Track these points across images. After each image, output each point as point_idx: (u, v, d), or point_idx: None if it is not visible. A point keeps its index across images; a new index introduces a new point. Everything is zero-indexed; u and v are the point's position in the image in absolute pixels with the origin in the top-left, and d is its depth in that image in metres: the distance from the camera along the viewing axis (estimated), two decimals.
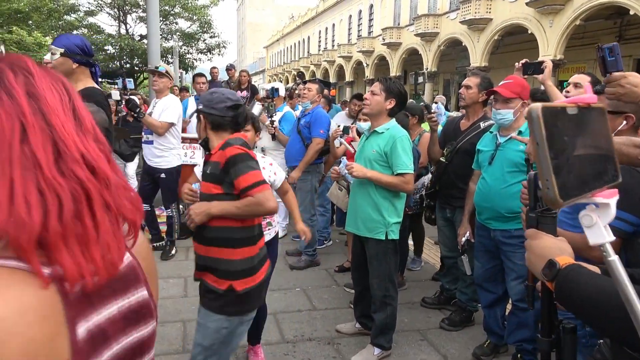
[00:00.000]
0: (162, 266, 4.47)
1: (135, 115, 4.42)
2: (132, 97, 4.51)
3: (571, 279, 0.98)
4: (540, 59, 17.69)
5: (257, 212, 1.99)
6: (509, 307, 3.10)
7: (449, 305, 3.79)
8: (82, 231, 0.62)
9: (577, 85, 3.21)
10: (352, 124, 5.06)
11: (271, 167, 2.81)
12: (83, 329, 0.63)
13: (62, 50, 2.53)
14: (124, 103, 4.59)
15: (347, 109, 5.95)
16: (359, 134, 4.25)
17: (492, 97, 3.07)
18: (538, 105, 0.83)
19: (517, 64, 3.19)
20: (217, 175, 1.98)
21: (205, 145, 2.13)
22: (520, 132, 2.81)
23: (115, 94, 4.51)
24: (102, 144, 0.69)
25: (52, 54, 2.54)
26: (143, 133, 4.73)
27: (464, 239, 3.22)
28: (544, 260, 1.04)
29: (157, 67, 4.82)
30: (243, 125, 2.17)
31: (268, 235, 2.72)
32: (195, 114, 2.22)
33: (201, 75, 6.91)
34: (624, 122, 1.85)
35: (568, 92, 3.20)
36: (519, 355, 2.92)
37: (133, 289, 0.74)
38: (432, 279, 4.48)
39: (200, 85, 6.42)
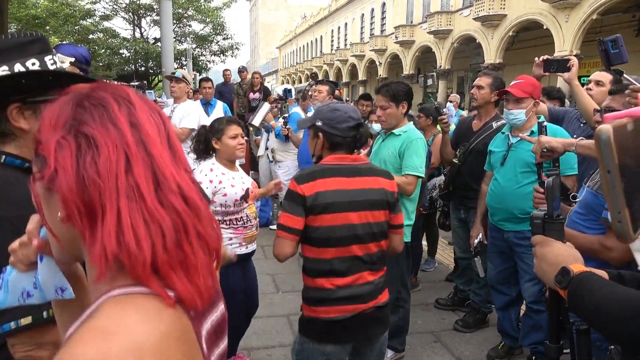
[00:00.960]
0: None
1: None
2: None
3: (584, 287, 0.97)
4: (556, 54, 17.45)
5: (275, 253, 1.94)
6: (523, 307, 3.07)
7: (462, 307, 3.77)
8: (184, 259, 0.65)
9: (598, 83, 3.12)
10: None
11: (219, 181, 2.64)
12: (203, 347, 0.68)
13: (72, 59, 2.58)
14: None
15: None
16: (371, 135, 4.25)
17: (504, 97, 3.03)
18: (608, 127, 0.76)
19: (537, 59, 3.05)
20: None
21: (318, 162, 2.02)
22: (532, 133, 2.77)
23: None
24: (190, 173, 0.72)
25: (61, 62, 2.59)
26: None
27: (476, 241, 3.20)
28: (556, 268, 1.03)
29: (173, 73, 4.88)
30: (362, 145, 2.02)
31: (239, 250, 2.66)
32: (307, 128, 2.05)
33: (207, 79, 6.97)
34: None
35: (590, 89, 3.11)
36: (533, 357, 2.89)
37: (217, 305, 0.80)
38: (446, 280, 4.46)
39: (207, 90, 6.49)
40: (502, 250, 3.00)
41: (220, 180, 2.60)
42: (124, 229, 0.60)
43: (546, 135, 2.27)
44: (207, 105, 6.54)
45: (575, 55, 16.78)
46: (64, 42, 2.95)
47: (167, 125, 0.71)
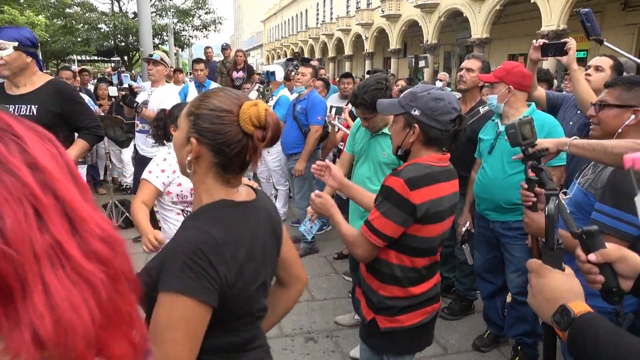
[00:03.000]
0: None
1: (134, 110, 4.34)
2: (128, 93, 4.38)
3: (587, 333, 0.87)
4: (543, 29, 17.32)
5: (349, 247, 1.83)
6: (510, 297, 3.06)
7: (448, 294, 3.75)
8: (119, 314, 0.55)
9: (598, 69, 3.03)
10: (345, 104, 4.94)
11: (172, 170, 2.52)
12: None
13: (15, 44, 2.36)
14: (120, 99, 4.44)
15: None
16: (353, 116, 4.13)
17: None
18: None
19: (534, 42, 2.98)
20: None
21: (404, 156, 1.78)
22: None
23: (113, 90, 4.42)
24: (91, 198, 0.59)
25: (2, 49, 2.36)
26: (138, 122, 4.62)
27: (464, 229, 3.15)
28: (554, 305, 0.93)
29: (151, 55, 4.66)
30: (457, 142, 1.74)
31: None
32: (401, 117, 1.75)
33: (200, 61, 6.73)
34: (632, 116, 1.75)
35: (589, 75, 3.03)
36: (519, 347, 2.89)
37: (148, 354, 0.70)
38: None
39: (199, 73, 6.27)
40: (488, 239, 2.96)
41: (174, 170, 2.46)
42: (59, 305, 0.48)
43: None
44: (200, 88, 6.31)
45: (561, 30, 16.71)
46: (5, 26, 2.72)
47: (61, 151, 0.57)
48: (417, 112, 1.66)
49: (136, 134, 4.70)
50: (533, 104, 2.81)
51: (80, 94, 5.92)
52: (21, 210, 0.48)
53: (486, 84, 2.88)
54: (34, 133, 0.55)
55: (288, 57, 36.07)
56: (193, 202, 1.21)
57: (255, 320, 1.20)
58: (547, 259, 0.99)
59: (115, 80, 4.52)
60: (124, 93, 4.39)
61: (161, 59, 4.57)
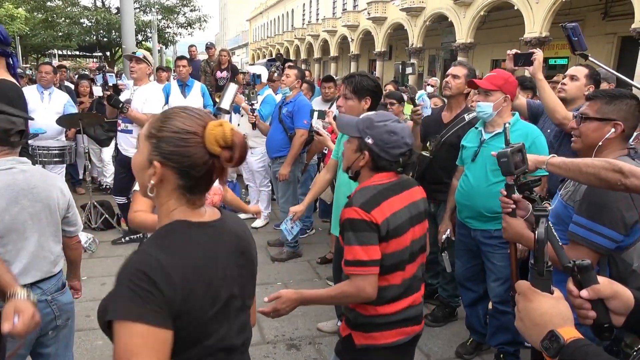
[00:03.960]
0: None
1: (120, 111, 4.28)
2: (113, 93, 4.28)
3: None
4: (526, 36, 17.58)
5: (351, 302, 1.76)
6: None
7: (432, 300, 3.75)
8: None
9: (573, 78, 3.09)
10: (328, 108, 4.91)
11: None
12: None
13: None
14: (105, 99, 4.34)
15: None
16: None
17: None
18: None
19: (508, 52, 3.08)
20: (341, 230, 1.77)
21: (355, 177, 1.86)
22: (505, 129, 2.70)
23: (97, 90, 4.32)
24: None
25: None
26: (121, 121, 4.51)
27: (444, 237, 3.15)
28: (542, 330, 0.90)
29: (134, 53, 4.56)
30: (409, 169, 1.85)
31: None
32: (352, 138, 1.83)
33: (182, 58, 6.62)
34: (612, 129, 1.76)
35: (564, 84, 3.09)
36: (501, 355, 2.89)
37: None
38: None
39: (181, 69, 6.15)
40: (469, 247, 2.97)
41: None
42: None
43: (507, 137, 2.20)
44: (183, 87, 6.17)
45: (544, 37, 16.98)
46: None
47: None
48: (370, 141, 1.74)
49: (118, 133, 4.59)
50: (517, 113, 2.82)
51: (60, 91, 5.84)
52: None
53: (475, 91, 2.88)
54: None
55: (269, 57, 35.90)
56: (157, 224, 1.16)
57: (213, 352, 1.11)
58: (536, 282, 0.96)
59: (100, 80, 4.41)
60: (108, 93, 4.28)
61: (144, 57, 4.47)
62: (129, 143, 4.44)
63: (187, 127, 1.07)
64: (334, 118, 4.00)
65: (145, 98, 4.36)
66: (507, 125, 1.96)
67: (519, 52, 3.03)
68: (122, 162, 4.57)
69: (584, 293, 0.97)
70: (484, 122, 2.83)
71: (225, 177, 1.15)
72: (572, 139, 1.91)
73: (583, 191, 1.74)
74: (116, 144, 5.18)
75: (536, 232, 0.96)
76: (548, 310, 0.92)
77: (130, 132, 4.44)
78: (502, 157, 1.36)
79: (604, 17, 17.09)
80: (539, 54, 2.92)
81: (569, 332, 0.88)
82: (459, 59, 16.14)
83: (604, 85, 3.52)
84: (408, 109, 5.67)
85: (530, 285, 0.96)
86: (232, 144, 1.07)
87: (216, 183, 2.25)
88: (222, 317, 1.12)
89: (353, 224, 1.67)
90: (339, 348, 1.91)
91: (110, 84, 4.36)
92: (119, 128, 4.54)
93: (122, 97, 4.41)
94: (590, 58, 2.78)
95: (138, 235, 4.81)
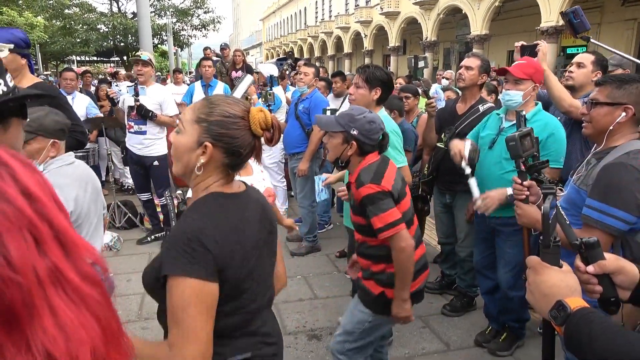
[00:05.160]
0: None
1: (149, 118, 4.57)
2: (142, 105, 4.54)
3: (582, 330, 0.89)
4: (542, 25, 17.26)
5: (405, 261, 2.02)
6: None
7: (450, 290, 3.78)
8: (111, 330, 0.58)
9: (580, 65, 3.10)
10: (341, 103, 4.96)
11: (261, 177, 2.65)
12: None
13: (11, 46, 2.37)
14: (135, 110, 4.56)
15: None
16: None
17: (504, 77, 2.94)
18: None
19: (516, 44, 3.10)
20: (359, 209, 2.10)
21: (345, 166, 2.18)
22: (526, 120, 2.69)
23: (130, 101, 4.53)
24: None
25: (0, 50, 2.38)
26: (133, 124, 4.65)
27: (467, 153, 2.68)
28: (551, 301, 0.95)
29: (139, 56, 4.69)
30: (386, 147, 2.21)
31: None
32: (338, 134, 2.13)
33: (207, 59, 6.80)
34: (623, 113, 1.76)
35: (571, 72, 3.11)
36: (506, 325, 3.06)
37: None
38: (434, 262, 4.46)
39: (207, 69, 6.28)
40: (485, 236, 3.01)
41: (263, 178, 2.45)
42: (67, 324, 0.51)
43: (525, 125, 2.22)
44: (206, 87, 6.30)
45: (560, 26, 16.65)
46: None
47: (45, 178, 0.60)
48: (355, 132, 2.06)
49: (129, 134, 4.74)
50: (539, 103, 2.82)
51: (81, 94, 6.02)
52: (22, 238, 0.51)
53: (501, 79, 2.89)
54: (20, 162, 0.57)
55: (280, 57, 36.02)
56: (191, 197, 1.32)
57: (247, 305, 1.27)
58: (545, 256, 1.01)
59: (131, 92, 4.61)
60: (139, 104, 4.50)
61: (149, 60, 4.61)
62: (141, 143, 4.65)
63: (235, 111, 1.23)
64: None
65: (160, 101, 4.56)
66: (522, 112, 2.08)
67: (525, 44, 3.06)
68: (137, 161, 4.74)
69: (591, 269, 1.02)
70: (506, 109, 2.85)
71: (261, 155, 1.33)
72: (583, 124, 1.91)
73: (595, 175, 1.75)
74: (125, 147, 5.30)
75: (542, 207, 1.01)
76: (556, 283, 0.98)
77: (144, 133, 4.62)
78: (510, 141, 1.41)
79: (622, 3, 16.74)
80: (542, 45, 2.93)
81: (576, 302, 0.93)
82: (474, 50, 15.96)
83: (619, 71, 3.49)
84: (423, 102, 5.69)
85: (540, 260, 1.02)
86: (273, 126, 1.26)
87: (268, 183, 2.33)
88: (254, 275, 1.27)
89: (372, 198, 1.99)
90: (369, 302, 2.18)
91: (141, 96, 4.57)
92: (131, 130, 4.69)
93: (126, 102, 4.65)
94: (591, 40, 2.78)
95: (162, 234, 4.95)
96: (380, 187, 2.00)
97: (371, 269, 2.17)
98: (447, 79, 7.61)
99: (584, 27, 2.24)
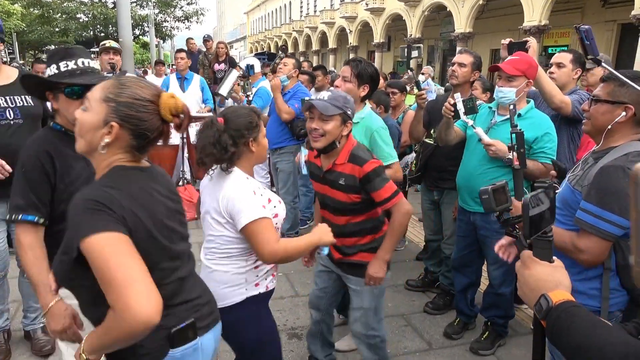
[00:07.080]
0: None
1: None
2: None
3: (562, 324, 0.89)
4: (525, 24, 17.45)
5: (406, 223, 2.27)
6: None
7: (433, 288, 3.76)
8: None
9: (560, 65, 3.11)
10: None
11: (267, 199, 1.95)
12: None
13: None
14: None
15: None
16: None
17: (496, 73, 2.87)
18: None
19: (503, 41, 3.07)
20: (357, 187, 2.17)
21: (325, 150, 2.18)
22: (519, 115, 2.66)
23: None
24: None
25: None
26: None
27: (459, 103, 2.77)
28: (537, 294, 0.96)
29: (111, 45, 4.55)
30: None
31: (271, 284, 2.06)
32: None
33: (181, 50, 6.60)
34: (623, 113, 1.70)
35: (553, 72, 3.11)
36: (489, 322, 3.06)
37: None
38: (417, 259, 4.44)
39: (180, 61, 6.11)
40: (466, 234, 3.01)
41: (269, 199, 1.89)
42: None
43: (512, 120, 2.25)
44: (182, 80, 6.10)
45: (543, 26, 16.86)
46: None
47: None
48: (350, 112, 2.16)
49: None
50: (532, 100, 2.80)
51: None
52: None
53: (498, 75, 2.81)
54: None
55: (261, 51, 35.71)
56: (96, 173, 1.30)
57: (171, 273, 1.30)
58: (536, 251, 1.02)
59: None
60: None
61: (119, 48, 4.52)
62: None
63: (145, 95, 1.24)
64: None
65: None
66: (511, 107, 2.19)
67: (513, 40, 3.02)
68: None
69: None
70: (497, 104, 2.81)
71: (168, 139, 1.34)
72: (583, 121, 1.87)
73: (592, 176, 1.67)
74: None
75: (523, 199, 0.98)
76: (543, 277, 0.99)
77: None
78: (483, 194, 1.31)
79: (603, 5, 16.98)
80: (532, 42, 2.91)
81: (559, 295, 0.93)
82: (458, 49, 16.04)
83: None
84: (410, 99, 5.64)
85: (531, 255, 1.03)
86: (183, 112, 1.29)
87: (281, 210, 1.98)
88: (169, 243, 1.28)
89: (378, 171, 2.14)
90: (357, 270, 2.31)
91: None
92: None
93: None
94: (603, 64, 2.70)
95: None
96: (379, 162, 2.18)
97: (359, 243, 2.30)
98: (422, 74, 7.63)
99: (592, 51, 2.17)
